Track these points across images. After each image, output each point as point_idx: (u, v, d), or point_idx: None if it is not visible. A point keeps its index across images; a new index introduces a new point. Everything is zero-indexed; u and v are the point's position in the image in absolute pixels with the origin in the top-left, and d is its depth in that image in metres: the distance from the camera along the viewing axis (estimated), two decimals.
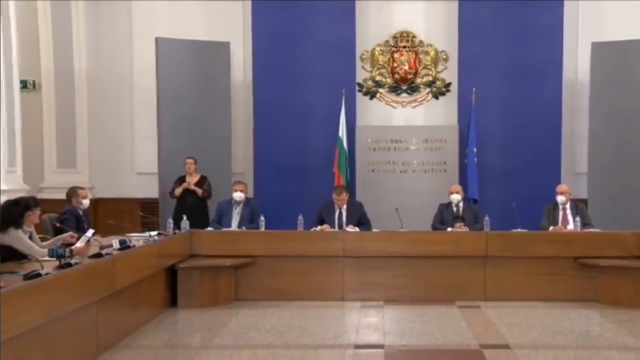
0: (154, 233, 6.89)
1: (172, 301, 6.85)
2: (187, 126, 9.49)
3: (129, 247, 5.85)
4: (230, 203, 8.07)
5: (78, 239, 5.92)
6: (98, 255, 5.29)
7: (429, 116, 10.07)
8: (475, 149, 9.30)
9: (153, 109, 9.48)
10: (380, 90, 10.12)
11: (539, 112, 9.48)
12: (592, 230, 7.53)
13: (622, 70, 9.37)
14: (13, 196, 6.13)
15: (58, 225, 6.41)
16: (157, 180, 9.44)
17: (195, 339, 5.86)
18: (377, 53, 10.10)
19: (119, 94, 10.22)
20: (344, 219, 7.84)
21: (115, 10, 10.18)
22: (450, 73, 10.02)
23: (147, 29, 9.83)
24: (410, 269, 7.18)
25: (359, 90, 10.05)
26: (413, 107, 10.11)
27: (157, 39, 9.37)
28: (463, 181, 9.15)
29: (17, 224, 5.41)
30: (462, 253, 7.17)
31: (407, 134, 9.78)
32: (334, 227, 7.75)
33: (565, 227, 7.57)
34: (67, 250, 5.00)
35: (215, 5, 10.03)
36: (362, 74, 10.09)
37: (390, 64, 10.09)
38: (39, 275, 4.23)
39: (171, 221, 7.25)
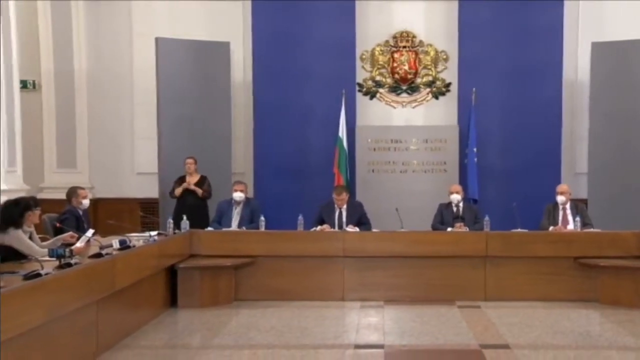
0: (154, 233, 6.89)
1: (172, 301, 6.85)
2: (187, 126, 9.49)
3: (129, 247, 5.85)
4: (230, 203, 8.07)
5: (78, 239, 5.92)
6: (98, 255, 5.29)
7: (429, 116, 10.07)
8: (475, 149, 9.31)
9: (153, 109, 9.48)
10: (380, 90, 10.12)
11: (539, 112, 9.49)
12: (592, 230, 7.53)
13: (622, 70, 9.37)
14: (13, 196, 6.13)
15: (58, 225, 6.42)
16: (157, 180, 9.45)
17: (196, 339, 5.86)
18: (377, 53, 10.10)
19: (119, 94, 10.23)
20: (344, 219, 7.84)
21: (115, 10, 10.18)
22: (450, 73, 10.02)
23: (147, 29, 9.83)
24: (410, 269, 7.19)
25: (359, 90, 10.05)
26: (413, 107, 10.11)
27: (157, 39, 9.37)
28: (463, 181, 9.16)
29: (17, 224, 5.41)
30: (462, 253, 7.17)
31: (407, 134, 9.79)
32: (334, 227, 7.75)
33: (565, 227, 7.57)
34: (67, 250, 5.00)
35: (215, 5, 10.03)
36: (362, 74, 10.09)
37: (390, 64, 10.09)
38: (39, 275, 4.23)
39: (171, 221, 7.25)
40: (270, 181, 9.60)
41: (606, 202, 9.21)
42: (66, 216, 6.84)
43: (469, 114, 9.47)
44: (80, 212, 7.07)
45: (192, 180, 8.73)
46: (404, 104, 10.12)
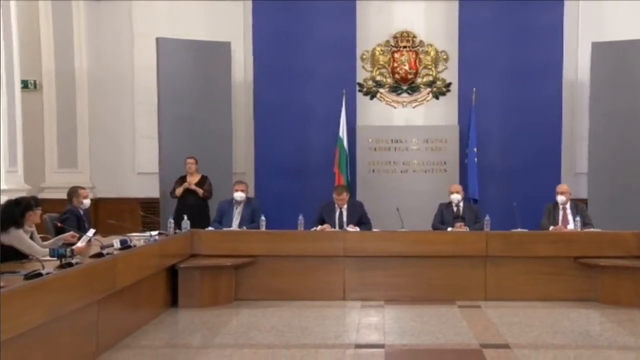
0: (154, 233, 6.90)
1: (173, 301, 6.86)
2: (188, 126, 9.50)
3: (129, 246, 5.85)
4: (231, 203, 8.08)
5: (79, 238, 5.94)
6: (99, 255, 5.30)
7: (429, 116, 10.08)
8: (475, 149, 9.31)
9: (154, 108, 9.48)
10: (381, 90, 10.13)
11: (539, 112, 9.49)
12: (592, 230, 7.54)
13: (622, 70, 9.38)
14: (14, 196, 6.14)
15: (59, 225, 6.43)
16: (158, 180, 9.45)
17: (196, 339, 5.87)
18: (377, 53, 10.11)
19: (119, 94, 10.24)
20: (345, 219, 7.85)
21: (116, 11, 10.19)
22: (450, 73, 10.03)
23: (147, 29, 9.84)
24: (410, 268, 7.19)
25: (360, 90, 10.06)
26: (413, 107, 10.12)
27: (157, 39, 9.38)
28: (463, 181, 9.17)
29: (18, 223, 5.42)
30: (463, 253, 7.18)
31: (407, 134, 9.79)
32: (334, 227, 7.76)
33: (566, 227, 7.58)
34: (68, 250, 5.00)
35: (215, 5, 10.04)
36: (362, 74, 10.10)
37: (391, 64, 10.10)
38: (39, 275, 4.23)
39: (172, 221, 7.25)
40: (271, 181, 9.60)
41: (606, 202, 9.21)
42: (67, 216, 6.86)
43: (469, 114, 9.48)
44: (81, 212, 7.09)
45: (192, 180, 8.74)
46: (404, 103, 10.13)
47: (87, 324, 4.92)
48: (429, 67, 10.08)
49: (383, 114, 10.11)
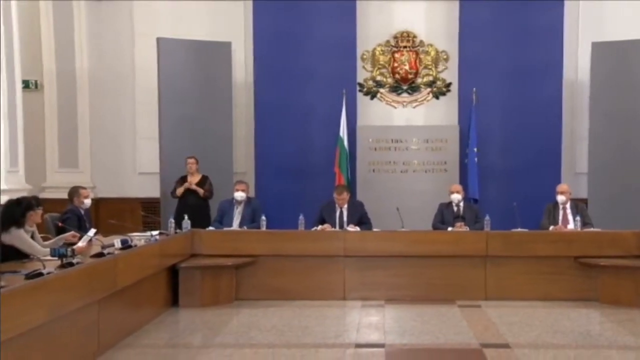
0: (155, 233, 6.92)
1: (174, 300, 6.87)
2: (189, 126, 9.51)
3: (130, 246, 5.87)
4: (231, 203, 8.10)
5: (80, 238, 5.95)
6: (100, 254, 5.31)
7: (429, 116, 10.09)
8: (475, 149, 9.32)
9: (154, 108, 9.49)
10: (381, 90, 10.14)
11: (539, 112, 9.50)
12: (592, 229, 7.55)
13: (622, 70, 9.38)
14: (15, 196, 6.16)
15: (60, 224, 6.44)
16: (159, 180, 9.46)
17: (197, 338, 5.89)
18: (377, 53, 10.12)
19: (120, 94, 10.25)
20: (345, 219, 7.86)
21: (117, 11, 10.20)
22: (450, 73, 10.04)
23: (148, 29, 9.86)
24: (410, 268, 7.20)
25: (360, 90, 10.07)
26: (414, 107, 10.13)
27: (158, 39, 9.39)
28: (463, 181, 9.17)
29: (19, 223, 5.43)
30: (463, 252, 7.19)
31: (407, 134, 9.80)
32: (334, 227, 7.77)
33: (566, 227, 7.58)
34: (69, 249, 5.00)
35: (216, 5, 10.05)
36: (362, 74, 10.11)
37: (391, 64, 10.11)
38: (40, 274, 4.24)
39: (172, 221, 7.26)
40: (271, 181, 9.61)
41: (606, 202, 9.22)
42: (68, 216, 6.87)
43: (469, 114, 9.49)
44: (82, 212, 7.10)
45: (193, 180, 8.75)
46: (404, 103, 10.14)
47: (88, 324, 4.93)
48: (429, 67, 10.09)
49: (383, 114, 10.11)
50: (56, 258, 4.91)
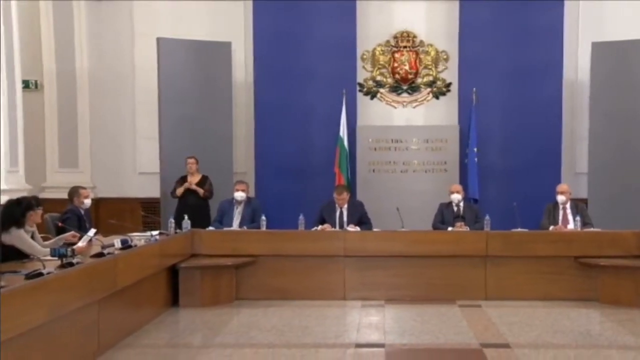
0: (155, 233, 6.93)
1: (174, 300, 6.87)
2: (189, 126, 9.51)
3: (130, 246, 5.87)
4: (231, 203, 8.10)
5: (80, 238, 5.95)
6: (100, 254, 5.31)
7: (429, 116, 10.09)
8: (475, 149, 9.32)
9: (154, 108, 9.49)
10: (381, 90, 10.14)
11: (539, 112, 9.50)
12: (592, 229, 7.55)
13: (622, 70, 9.38)
14: (15, 196, 6.17)
15: (60, 224, 6.45)
16: (159, 180, 9.46)
17: (197, 338, 5.89)
18: (377, 53, 10.12)
19: (120, 94, 10.25)
20: (345, 219, 7.86)
21: (117, 10, 10.21)
22: (450, 73, 10.04)
23: (148, 29, 9.86)
24: (410, 268, 7.20)
25: (360, 90, 10.07)
26: (414, 107, 10.13)
27: (158, 39, 9.39)
28: (463, 181, 9.17)
29: (19, 223, 5.43)
30: (463, 252, 7.19)
31: (407, 134, 9.80)
32: (334, 227, 7.77)
33: (566, 227, 7.58)
34: (69, 249, 5.01)
35: (216, 5, 10.05)
36: (362, 74, 10.11)
37: (391, 63, 10.11)
38: (40, 274, 4.25)
39: (172, 221, 7.26)
40: (271, 181, 9.61)
41: (606, 202, 9.22)
42: (68, 216, 6.87)
43: (469, 114, 9.49)
44: (82, 212, 7.10)
45: (193, 180, 8.75)
46: (404, 103, 10.14)
47: (88, 324, 4.93)
48: (429, 67, 10.09)
49: (383, 114, 10.12)
50: (56, 258, 4.92)
